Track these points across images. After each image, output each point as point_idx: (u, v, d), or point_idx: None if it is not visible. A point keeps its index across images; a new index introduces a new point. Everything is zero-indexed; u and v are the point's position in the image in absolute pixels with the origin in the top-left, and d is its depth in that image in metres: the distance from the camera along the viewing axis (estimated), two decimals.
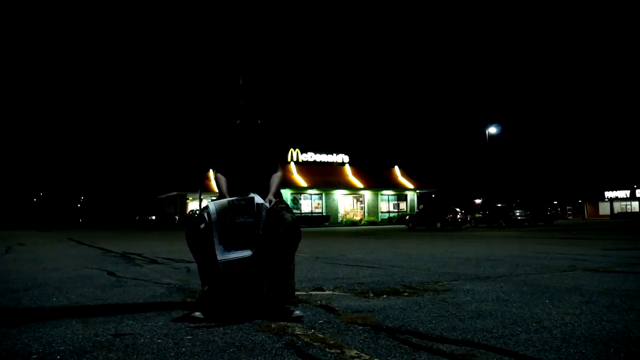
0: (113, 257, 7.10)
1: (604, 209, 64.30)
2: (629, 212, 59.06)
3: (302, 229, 2.73)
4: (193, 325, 2.36)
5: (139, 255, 7.38)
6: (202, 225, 2.59)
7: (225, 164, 2.99)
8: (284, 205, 2.80)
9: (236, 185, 2.89)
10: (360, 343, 2.02)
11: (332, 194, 40.31)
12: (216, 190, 3.05)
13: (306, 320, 2.46)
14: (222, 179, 2.96)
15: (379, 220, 40.48)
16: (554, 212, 35.06)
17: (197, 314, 2.49)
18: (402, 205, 43.17)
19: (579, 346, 1.93)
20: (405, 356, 1.84)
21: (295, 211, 37.95)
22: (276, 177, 2.98)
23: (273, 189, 2.90)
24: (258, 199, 2.66)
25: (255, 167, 2.94)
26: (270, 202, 2.74)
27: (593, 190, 64.82)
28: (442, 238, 13.24)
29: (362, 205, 41.89)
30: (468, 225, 27.85)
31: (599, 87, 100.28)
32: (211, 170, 38.38)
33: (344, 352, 1.89)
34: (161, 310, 2.78)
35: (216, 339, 2.10)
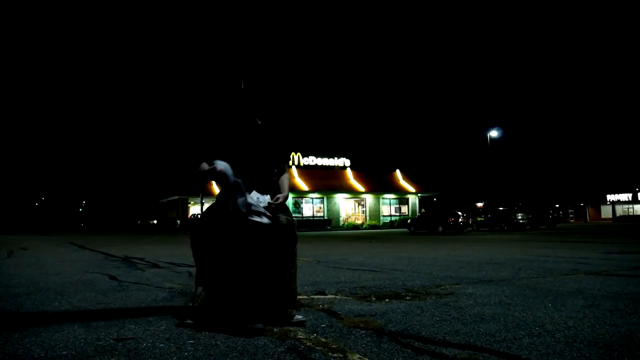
0: (115, 261, 7.10)
1: (606, 212, 64.19)
2: (631, 215, 58.95)
3: (303, 233, 2.74)
4: (195, 329, 2.36)
5: (140, 259, 7.38)
6: (206, 223, 2.57)
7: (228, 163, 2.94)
8: (282, 208, 2.78)
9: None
10: (363, 347, 2.02)
11: (334, 197, 40.30)
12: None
13: (308, 324, 2.46)
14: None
15: (381, 224, 40.44)
16: (555, 215, 35.02)
17: (199, 318, 2.48)
18: (404, 209, 43.12)
19: (583, 350, 1.93)
20: None
21: (296, 215, 38.04)
22: (285, 179, 2.95)
23: (285, 190, 2.89)
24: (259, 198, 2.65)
25: (259, 168, 2.87)
26: (277, 199, 2.70)
27: (595, 193, 64.72)
28: (444, 242, 13.23)
29: (364, 209, 41.86)
30: (470, 228, 27.84)
31: (600, 89, 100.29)
32: None
33: (347, 356, 1.89)
34: (163, 314, 2.78)
35: (218, 343, 2.10)
